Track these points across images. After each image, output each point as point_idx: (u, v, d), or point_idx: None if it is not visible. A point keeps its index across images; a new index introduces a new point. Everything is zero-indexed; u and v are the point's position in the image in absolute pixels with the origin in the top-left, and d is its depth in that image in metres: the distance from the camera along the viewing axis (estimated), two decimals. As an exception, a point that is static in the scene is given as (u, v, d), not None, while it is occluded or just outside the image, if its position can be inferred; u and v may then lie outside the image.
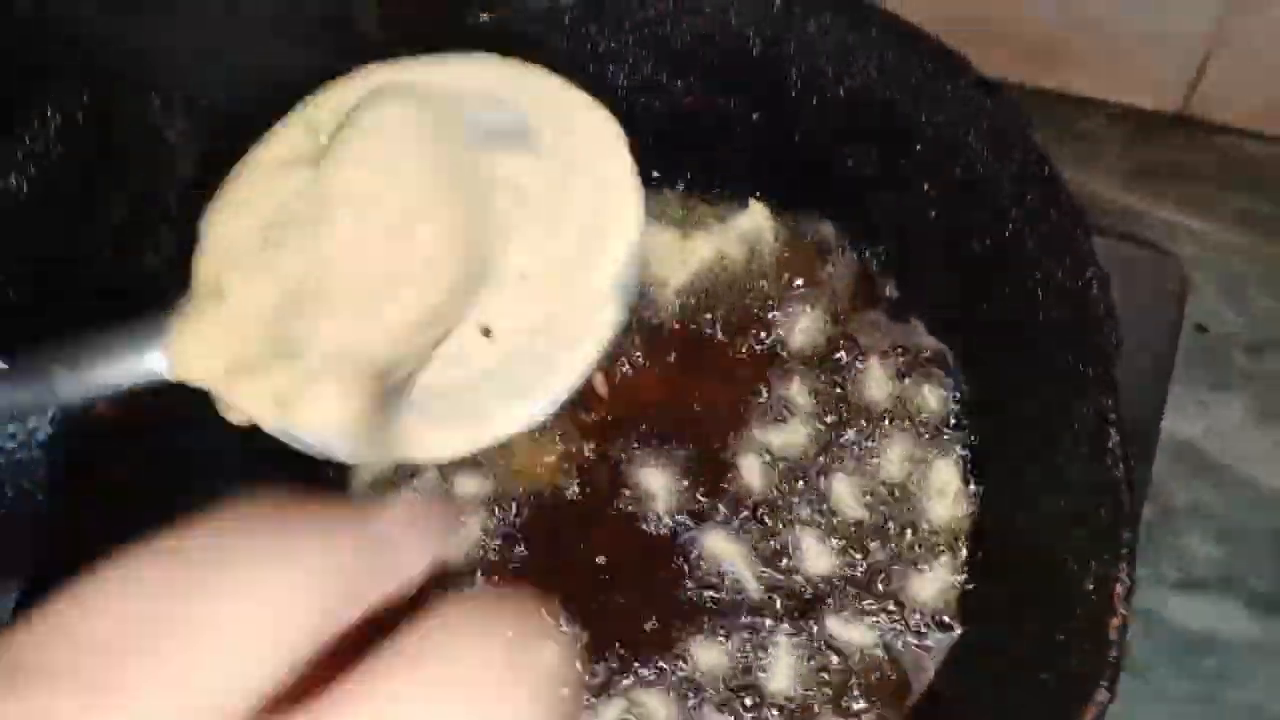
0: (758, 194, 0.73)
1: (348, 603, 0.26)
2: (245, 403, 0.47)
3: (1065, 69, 0.96)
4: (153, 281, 0.62)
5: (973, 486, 0.67)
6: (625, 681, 0.63)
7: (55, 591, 0.24)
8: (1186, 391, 0.89)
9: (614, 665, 0.63)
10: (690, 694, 0.62)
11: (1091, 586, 0.53)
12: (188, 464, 0.58)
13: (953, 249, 0.65)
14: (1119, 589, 0.51)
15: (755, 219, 0.73)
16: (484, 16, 0.63)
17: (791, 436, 0.69)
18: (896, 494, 0.68)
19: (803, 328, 0.73)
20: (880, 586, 0.65)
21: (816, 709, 0.63)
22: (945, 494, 0.66)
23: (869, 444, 0.69)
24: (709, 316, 0.72)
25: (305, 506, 0.26)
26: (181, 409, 0.49)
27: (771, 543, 0.66)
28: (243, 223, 0.49)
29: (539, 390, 0.51)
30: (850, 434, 0.69)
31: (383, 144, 0.49)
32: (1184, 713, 0.81)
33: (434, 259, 0.48)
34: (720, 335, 0.72)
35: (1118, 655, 0.51)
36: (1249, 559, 0.84)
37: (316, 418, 0.46)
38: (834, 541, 0.66)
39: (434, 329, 0.49)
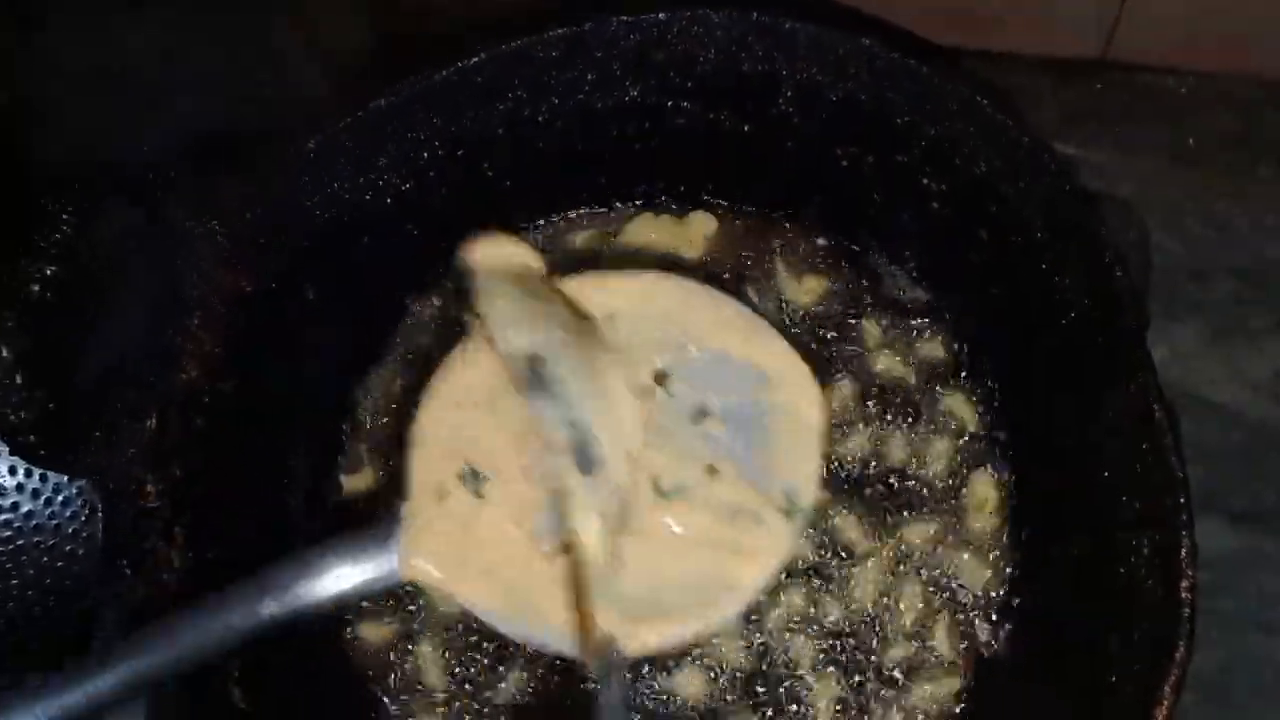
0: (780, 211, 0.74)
1: None
2: (474, 598, 0.51)
3: (985, 29, 0.97)
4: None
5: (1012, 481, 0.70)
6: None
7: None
8: (1144, 324, 0.93)
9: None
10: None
11: (1149, 553, 0.55)
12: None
13: (963, 250, 0.67)
14: (1184, 553, 0.54)
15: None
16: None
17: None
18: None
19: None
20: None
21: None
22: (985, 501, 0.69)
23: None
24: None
25: None
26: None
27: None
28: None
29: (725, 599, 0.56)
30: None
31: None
32: (1183, 628, 0.85)
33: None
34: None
35: (1191, 613, 0.53)
36: (1223, 478, 0.88)
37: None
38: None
39: None
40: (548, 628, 0.53)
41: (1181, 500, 0.55)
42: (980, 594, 0.68)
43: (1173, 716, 0.52)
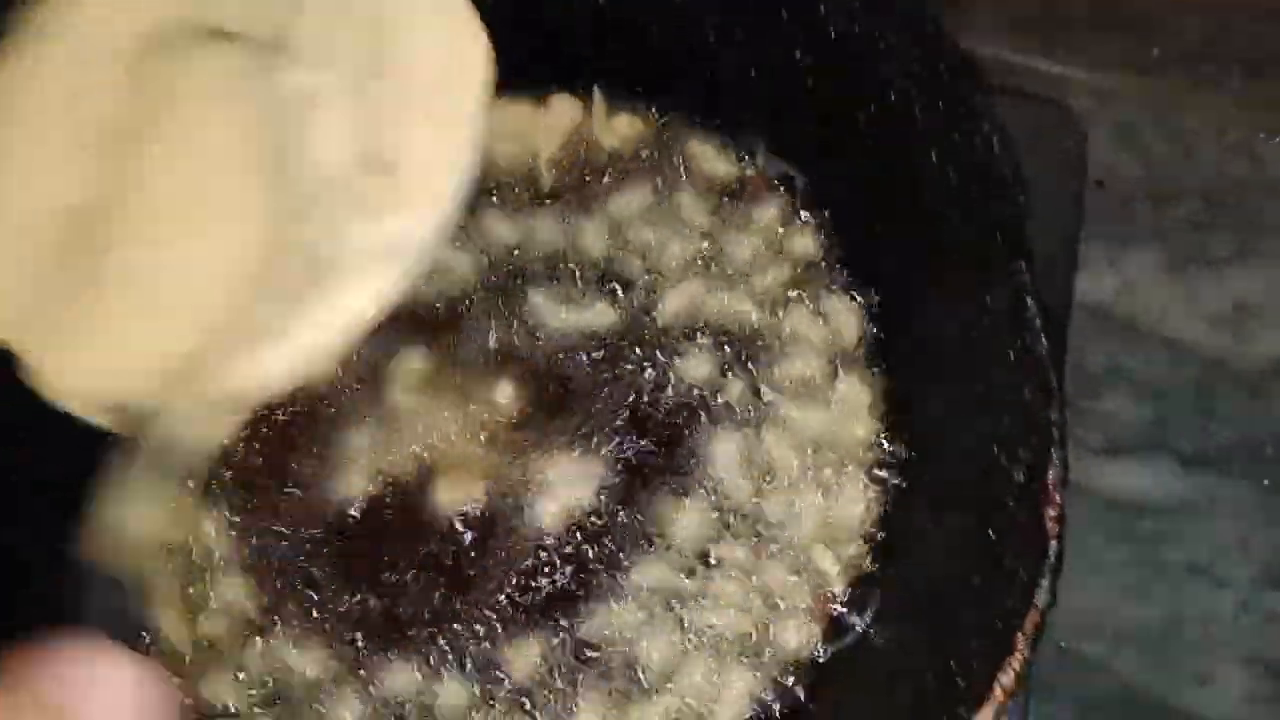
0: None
1: None
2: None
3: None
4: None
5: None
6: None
7: None
8: (1093, 251, 0.85)
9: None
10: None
11: (1022, 477, 0.48)
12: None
13: (834, 122, 0.59)
14: (1052, 475, 0.46)
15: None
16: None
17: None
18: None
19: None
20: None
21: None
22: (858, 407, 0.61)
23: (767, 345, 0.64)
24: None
25: None
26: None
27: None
28: None
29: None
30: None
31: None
32: (1122, 580, 0.78)
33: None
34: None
35: (1059, 553, 0.46)
36: (1174, 417, 0.81)
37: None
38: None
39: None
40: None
41: (1054, 416, 0.47)
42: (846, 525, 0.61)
43: (1029, 667, 0.45)
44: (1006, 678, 0.45)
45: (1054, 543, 0.46)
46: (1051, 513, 0.47)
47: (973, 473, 0.52)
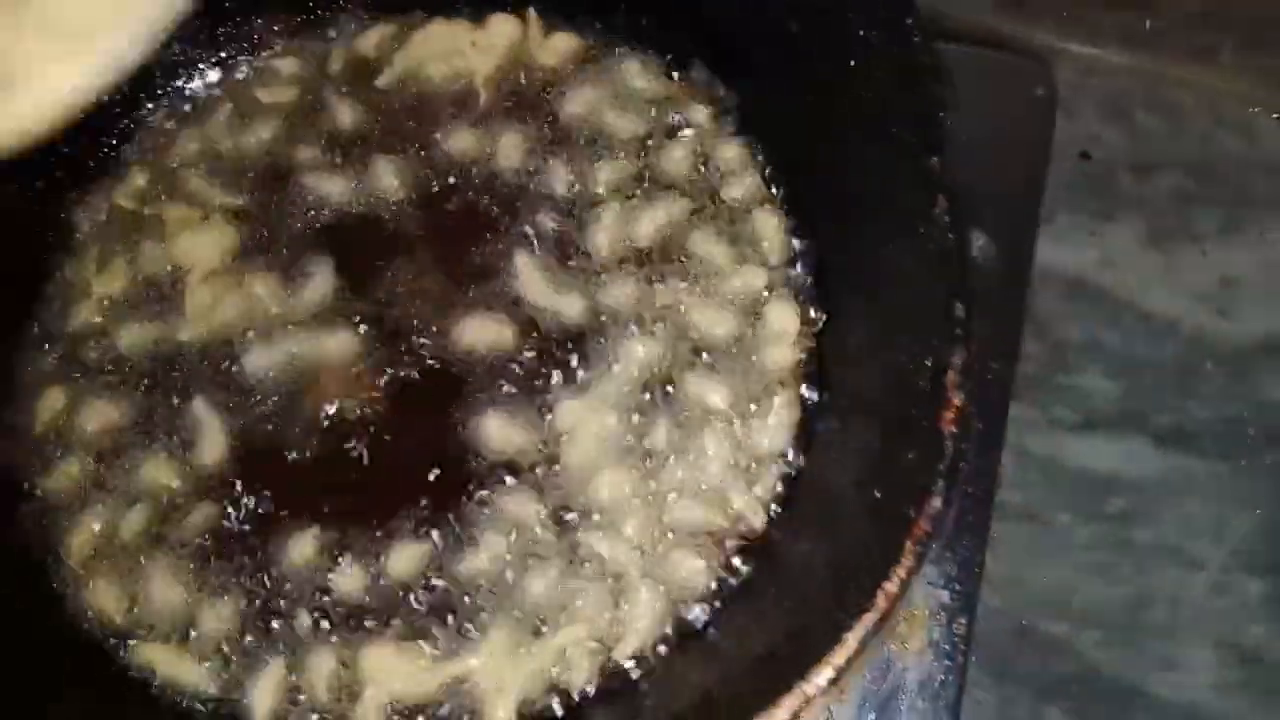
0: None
1: None
2: None
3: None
4: None
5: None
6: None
7: None
8: (1073, 222, 0.83)
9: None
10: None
11: (927, 385, 0.46)
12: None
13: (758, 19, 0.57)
14: (952, 374, 0.44)
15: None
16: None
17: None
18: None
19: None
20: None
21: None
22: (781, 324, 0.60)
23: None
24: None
25: None
26: None
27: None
28: None
29: None
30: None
31: None
32: (1093, 559, 0.76)
33: None
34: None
35: (955, 456, 0.43)
36: (1149, 393, 0.78)
37: None
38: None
39: None
40: None
41: (960, 311, 0.44)
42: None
43: (910, 580, 0.42)
44: (892, 585, 0.42)
45: (949, 444, 0.43)
46: (949, 415, 0.44)
47: (882, 383, 0.50)
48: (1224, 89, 0.86)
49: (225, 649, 0.56)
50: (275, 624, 0.57)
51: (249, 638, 0.57)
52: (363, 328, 0.63)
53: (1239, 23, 0.87)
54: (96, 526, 0.59)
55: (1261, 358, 0.79)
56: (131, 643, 0.57)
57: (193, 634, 0.57)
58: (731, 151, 0.64)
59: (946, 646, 0.63)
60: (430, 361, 0.62)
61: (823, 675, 0.41)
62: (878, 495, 0.47)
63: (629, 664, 0.56)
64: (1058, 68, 0.84)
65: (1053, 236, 0.81)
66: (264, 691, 0.55)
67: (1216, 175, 0.84)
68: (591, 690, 0.56)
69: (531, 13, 0.68)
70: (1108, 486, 0.76)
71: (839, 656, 0.40)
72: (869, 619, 0.42)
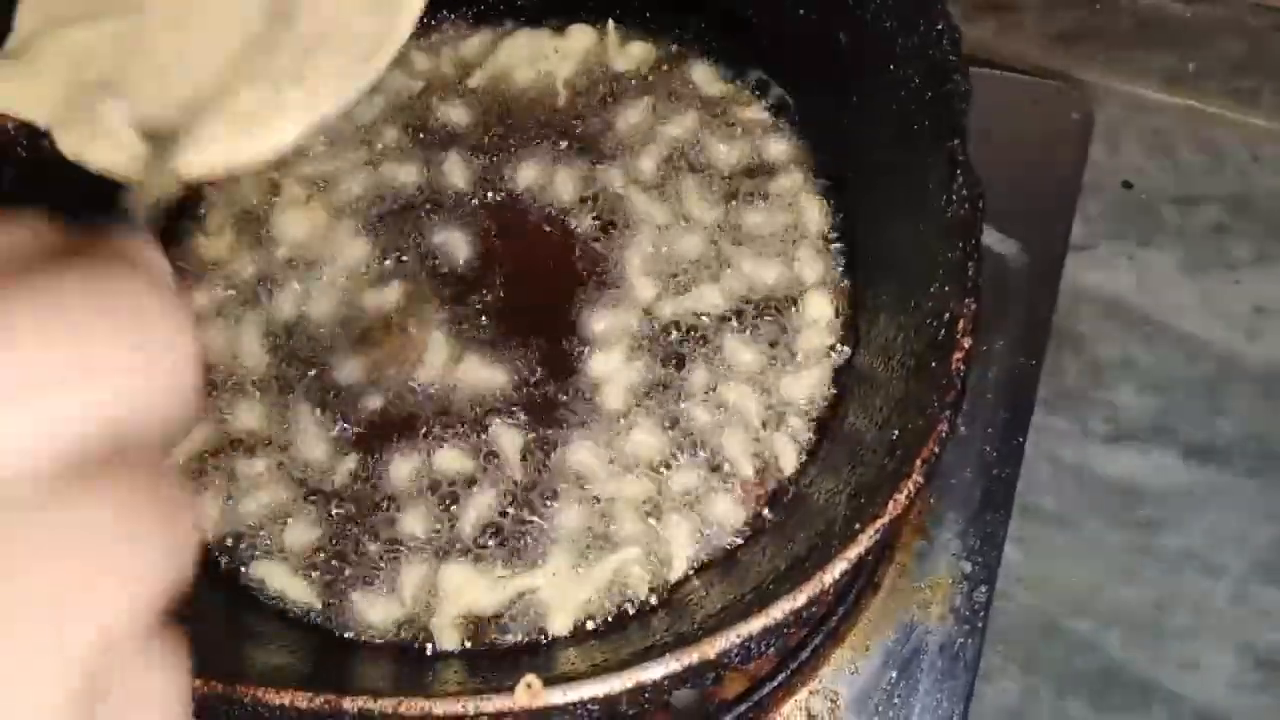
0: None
1: None
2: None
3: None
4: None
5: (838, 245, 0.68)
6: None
7: None
8: (1115, 247, 0.88)
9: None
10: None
11: (943, 329, 0.51)
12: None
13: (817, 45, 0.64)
14: (963, 323, 0.49)
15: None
16: None
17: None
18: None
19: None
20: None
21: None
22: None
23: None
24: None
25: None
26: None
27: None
28: None
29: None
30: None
31: None
32: (1119, 563, 0.79)
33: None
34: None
35: (960, 389, 0.49)
36: (1181, 409, 0.82)
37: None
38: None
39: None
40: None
41: (972, 270, 0.50)
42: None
43: (913, 506, 0.47)
44: (902, 495, 0.47)
45: (958, 379, 0.49)
46: (958, 355, 0.49)
47: (904, 336, 0.55)
48: (1263, 129, 0.90)
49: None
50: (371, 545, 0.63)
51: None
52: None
53: (1277, 71, 0.91)
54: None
55: (1290, 381, 0.83)
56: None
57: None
58: (782, 146, 0.71)
59: (967, 613, 0.67)
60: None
61: (838, 567, 0.45)
62: (895, 435, 0.52)
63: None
64: (1104, 104, 0.90)
65: (1093, 260, 0.86)
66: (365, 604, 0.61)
67: (1252, 209, 0.88)
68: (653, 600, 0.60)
69: (610, 24, 0.75)
70: (1137, 496, 0.80)
71: (852, 552, 0.45)
72: (880, 523, 0.47)
